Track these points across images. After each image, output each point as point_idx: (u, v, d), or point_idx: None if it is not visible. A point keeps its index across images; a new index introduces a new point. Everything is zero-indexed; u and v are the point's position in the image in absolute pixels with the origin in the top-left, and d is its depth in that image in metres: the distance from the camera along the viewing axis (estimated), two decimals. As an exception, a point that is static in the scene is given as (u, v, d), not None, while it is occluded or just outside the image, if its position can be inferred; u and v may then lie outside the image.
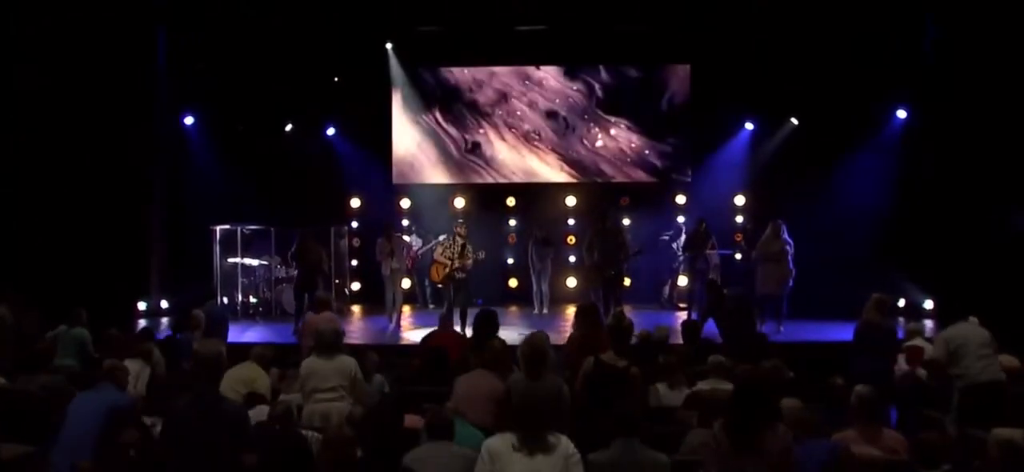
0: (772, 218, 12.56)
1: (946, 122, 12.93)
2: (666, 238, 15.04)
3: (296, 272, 13.44)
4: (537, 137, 15.69)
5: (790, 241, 12.33)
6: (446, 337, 9.16)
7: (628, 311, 11.81)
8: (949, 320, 7.71)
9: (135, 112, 13.16)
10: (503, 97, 15.69)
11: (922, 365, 7.69)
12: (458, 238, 12.22)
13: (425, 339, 9.38)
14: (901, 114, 14.37)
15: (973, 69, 12.51)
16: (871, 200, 13.88)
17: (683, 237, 14.55)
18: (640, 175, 15.66)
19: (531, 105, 15.62)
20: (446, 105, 15.73)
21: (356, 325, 13.72)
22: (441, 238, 13.67)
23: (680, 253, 14.37)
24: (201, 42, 14.02)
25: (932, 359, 7.41)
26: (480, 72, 15.67)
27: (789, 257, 12.26)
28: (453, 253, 12.19)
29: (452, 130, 15.75)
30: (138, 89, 13.18)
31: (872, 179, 13.95)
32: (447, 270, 12.31)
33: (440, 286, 12.69)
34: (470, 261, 12.14)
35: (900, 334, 9.04)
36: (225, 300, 14.34)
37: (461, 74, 15.73)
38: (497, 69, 15.62)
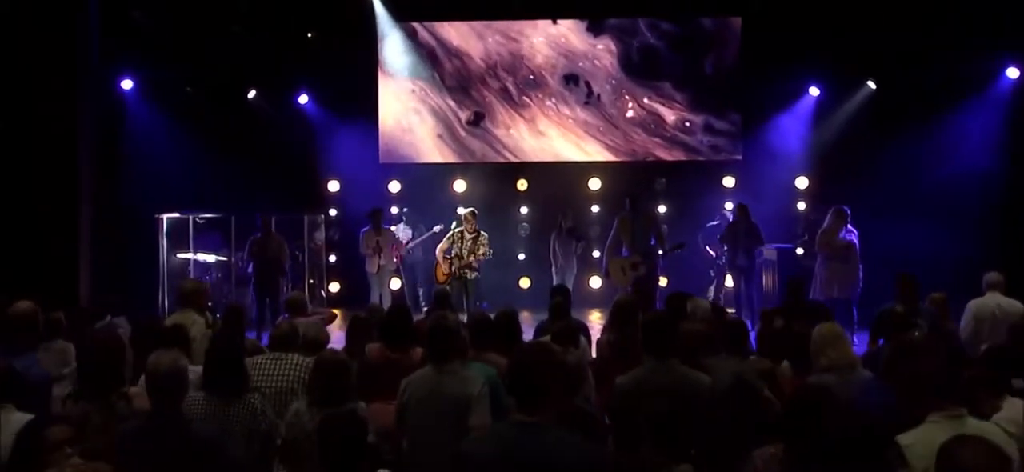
0: (837, 205, 11.39)
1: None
2: (715, 224, 13.79)
3: (251, 270, 12.43)
4: (555, 107, 14.74)
5: (855, 232, 11.24)
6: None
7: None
8: None
9: (58, 72, 11.93)
10: (513, 58, 14.73)
11: None
12: (467, 231, 11.58)
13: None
14: (1012, 73, 12.99)
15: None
16: (968, 183, 12.84)
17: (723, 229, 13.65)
18: (680, 153, 14.79)
19: (547, 68, 14.68)
20: (443, 67, 14.75)
21: (334, 334, 12.30)
22: (438, 229, 12.89)
23: (721, 248, 13.24)
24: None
25: None
26: (483, 27, 14.70)
27: (857, 252, 11.15)
28: (462, 248, 11.55)
29: (451, 99, 14.81)
30: (62, 44, 11.93)
31: (970, 156, 12.89)
32: (455, 268, 11.64)
33: (446, 286, 11.66)
34: (483, 256, 11.59)
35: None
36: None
37: (460, 29, 14.74)
38: (504, 23, 14.64)
